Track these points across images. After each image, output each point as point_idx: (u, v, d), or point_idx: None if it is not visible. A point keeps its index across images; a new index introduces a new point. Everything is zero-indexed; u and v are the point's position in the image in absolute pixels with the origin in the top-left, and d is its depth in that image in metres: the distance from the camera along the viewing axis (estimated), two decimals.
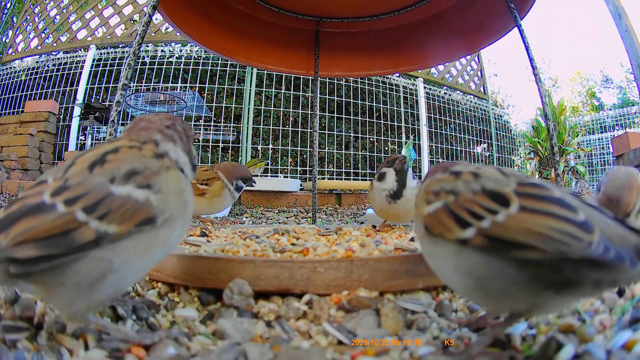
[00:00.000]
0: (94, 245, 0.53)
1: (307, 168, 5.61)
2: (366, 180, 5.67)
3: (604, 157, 8.55)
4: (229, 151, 5.90)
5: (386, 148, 6.33)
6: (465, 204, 0.53)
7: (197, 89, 5.46)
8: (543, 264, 0.48)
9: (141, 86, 5.49)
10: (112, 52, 5.55)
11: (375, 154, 6.18)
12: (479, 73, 7.11)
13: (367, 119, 6.05)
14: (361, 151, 6.13)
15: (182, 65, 5.62)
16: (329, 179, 5.76)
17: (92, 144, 5.24)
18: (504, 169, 0.59)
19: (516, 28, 1.61)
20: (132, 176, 0.57)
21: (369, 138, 6.14)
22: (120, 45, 5.57)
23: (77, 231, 0.52)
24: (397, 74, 6.46)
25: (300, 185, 4.84)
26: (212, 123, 5.61)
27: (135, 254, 0.57)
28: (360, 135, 6.03)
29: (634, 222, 0.93)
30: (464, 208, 0.53)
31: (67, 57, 5.68)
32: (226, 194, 1.60)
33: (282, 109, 5.61)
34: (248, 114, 5.46)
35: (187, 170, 0.69)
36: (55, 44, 5.75)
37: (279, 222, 2.66)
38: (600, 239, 0.46)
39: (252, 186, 1.70)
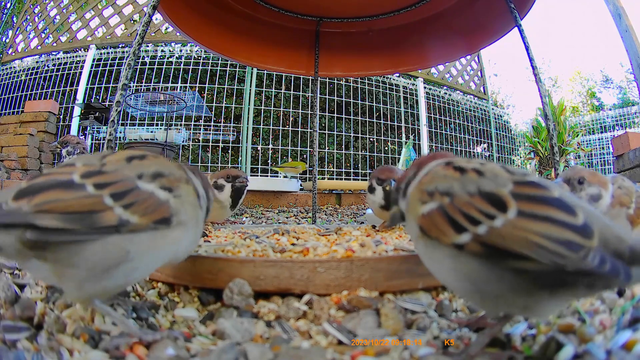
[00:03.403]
0: (114, 231, 0.56)
1: (307, 168, 5.61)
2: (366, 180, 5.66)
3: (604, 157, 8.55)
4: (229, 151, 5.90)
5: (386, 148, 6.33)
6: (461, 207, 0.51)
7: (197, 89, 5.46)
8: (539, 273, 0.47)
9: (141, 86, 5.49)
10: (112, 52, 5.55)
11: (375, 154, 6.18)
12: (479, 73, 7.11)
13: (367, 119, 6.05)
14: (361, 151, 6.13)
15: (182, 65, 5.62)
16: (329, 179, 5.76)
17: (92, 144, 5.24)
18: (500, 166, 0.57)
19: (516, 28, 1.61)
20: (158, 177, 0.62)
21: (369, 138, 6.14)
22: (120, 45, 5.57)
23: (102, 213, 0.55)
24: (397, 74, 6.47)
25: (300, 185, 4.84)
26: (212, 123, 5.61)
27: (149, 249, 0.60)
28: (360, 135, 6.04)
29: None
30: (459, 211, 0.51)
31: (67, 57, 5.68)
32: (215, 207, 1.51)
33: (282, 109, 5.61)
34: (248, 114, 5.46)
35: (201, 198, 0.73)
36: (55, 44, 5.75)
37: (279, 222, 2.66)
38: (598, 246, 0.45)
39: (242, 184, 1.50)
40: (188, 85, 5.64)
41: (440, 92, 6.76)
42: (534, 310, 0.52)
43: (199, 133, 5.46)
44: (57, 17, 5.83)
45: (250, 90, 5.50)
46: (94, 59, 5.47)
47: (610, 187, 0.99)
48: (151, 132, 5.32)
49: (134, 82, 5.45)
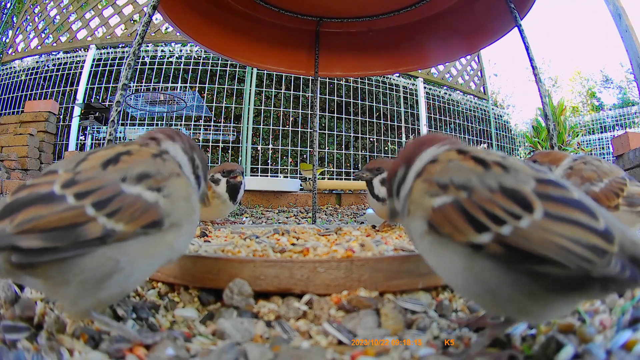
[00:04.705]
0: (100, 242, 0.53)
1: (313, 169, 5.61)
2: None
3: (604, 157, 8.53)
4: (229, 151, 5.90)
5: (386, 148, 6.33)
6: (481, 203, 0.47)
7: (197, 89, 5.46)
8: (560, 277, 0.45)
9: (141, 86, 5.49)
10: (112, 52, 5.55)
11: (375, 154, 6.18)
12: (479, 73, 7.11)
13: (367, 119, 6.05)
14: (361, 151, 6.13)
15: (182, 65, 5.62)
16: (329, 179, 5.76)
17: (92, 144, 5.24)
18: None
19: (516, 28, 1.61)
20: (144, 178, 0.58)
21: (369, 138, 6.14)
22: (120, 45, 5.57)
23: (85, 226, 0.52)
24: (397, 74, 6.47)
25: (300, 185, 4.84)
26: (212, 123, 5.61)
27: (141, 255, 0.57)
28: (360, 135, 6.04)
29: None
30: (479, 208, 0.47)
31: (67, 57, 5.69)
32: (216, 203, 1.53)
33: (282, 109, 5.61)
34: (248, 114, 5.46)
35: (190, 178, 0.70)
36: (55, 44, 5.75)
37: (279, 222, 2.66)
38: (618, 252, 0.44)
39: (236, 181, 1.52)
40: (188, 85, 5.64)
41: (440, 92, 6.76)
42: (543, 315, 0.50)
43: (199, 133, 5.46)
44: (57, 17, 5.84)
45: (250, 90, 5.50)
46: (94, 59, 5.47)
47: (565, 162, 1.02)
48: None
49: (134, 82, 5.45)
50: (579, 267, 0.43)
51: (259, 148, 5.82)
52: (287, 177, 5.59)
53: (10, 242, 0.50)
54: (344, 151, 6.00)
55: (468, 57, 6.74)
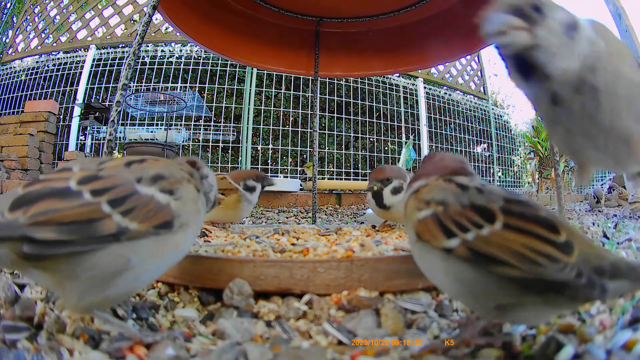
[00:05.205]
0: (113, 239, 0.54)
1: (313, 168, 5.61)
2: (366, 180, 5.66)
3: None
4: (229, 151, 5.90)
5: (386, 148, 6.33)
6: (453, 215, 0.56)
7: (197, 89, 5.46)
8: (521, 280, 0.50)
9: (141, 86, 5.49)
10: (112, 52, 5.55)
11: (375, 154, 6.18)
12: (479, 73, 7.11)
13: (367, 119, 6.05)
14: (361, 151, 6.13)
15: (182, 65, 5.62)
16: (329, 179, 5.76)
17: (92, 144, 5.24)
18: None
19: None
20: (158, 180, 0.60)
21: (369, 138, 6.14)
22: (120, 45, 5.57)
23: (100, 222, 0.53)
24: (397, 74, 6.47)
25: (300, 185, 4.84)
26: (212, 123, 5.61)
27: (151, 255, 0.58)
28: (360, 135, 6.03)
29: None
30: (451, 219, 0.56)
31: (67, 57, 5.68)
32: (243, 206, 1.54)
33: (282, 109, 5.61)
34: (248, 114, 5.46)
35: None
36: (55, 44, 5.75)
37: (279, 222, 2.66)
38: (577, 262, 0.49)
39: (271, 184, 1.64)
40: (188, 85, 5.64)
41: (440, 92, 6.76)
42: (522, 317, 0.55)
43: (199, 133, 5.46)
44: (57, 17, 5.83)
45: (250, 90, 5.50)
46: (94, 59, 5.47)
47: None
48: (151, 132, 5.32)
49: (134, 82, 5.45)
50: (530, 269, 0.49)
51: (259, 148, 5.82)
52: (287, 177, 5.59)
53: (24, 233, 0.50)
54: (344, 151, 6.00)
55: (468, 57, 6.73)
